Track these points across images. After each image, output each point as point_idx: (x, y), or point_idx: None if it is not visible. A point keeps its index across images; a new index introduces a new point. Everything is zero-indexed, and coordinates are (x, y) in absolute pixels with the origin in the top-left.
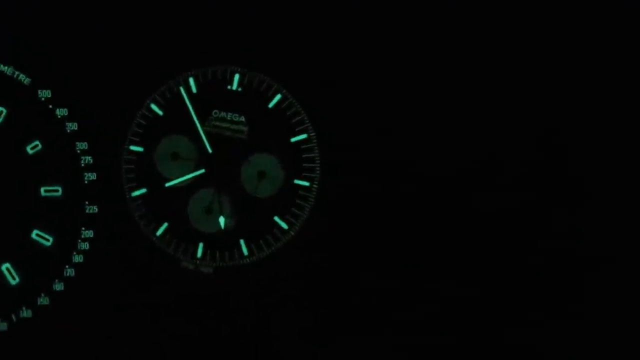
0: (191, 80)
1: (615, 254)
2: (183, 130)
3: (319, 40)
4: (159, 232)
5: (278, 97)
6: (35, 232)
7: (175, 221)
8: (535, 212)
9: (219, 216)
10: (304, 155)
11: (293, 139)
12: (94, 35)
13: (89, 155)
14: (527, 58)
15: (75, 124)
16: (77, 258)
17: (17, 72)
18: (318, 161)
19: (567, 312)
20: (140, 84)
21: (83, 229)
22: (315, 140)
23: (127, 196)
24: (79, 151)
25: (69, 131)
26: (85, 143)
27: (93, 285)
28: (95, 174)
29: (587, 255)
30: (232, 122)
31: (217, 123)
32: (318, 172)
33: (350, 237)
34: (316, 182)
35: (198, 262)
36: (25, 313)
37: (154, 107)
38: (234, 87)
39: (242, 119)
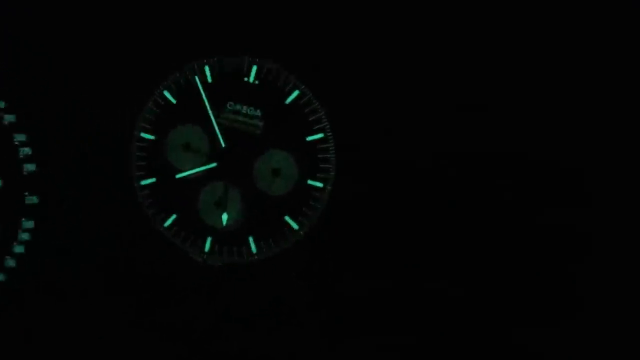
0: (207, 70)
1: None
2: (196, 120)
3: (342, 39)
4: (167, 223)
5: (296, 92)
6: None
7: (184, 213)
8: (548, 214)
9: (225, 211)
10: (319, 155)
11: (309, 138)
12: (110, 20)
13: (27, 147)
14: (545, 57)
15: (13, 115)
16: (18, 249)
17: None
18: (333, 162)
19: (565, 314)
20: (155, 70)
21: (23, 219)
22: (331, 140)
23: (136, 184)
24: (17, 143)
25: (6, 123)
26: (24, 135)
27: (34, 276)
28: (34, 164)
29: (587, 258)
30: (247, 115)
31: (232, 116)
32: (333, 173)
33: (362, 242)
34: (330, 184)
35: (205, 256)
36: None
37: (167, 94)
38: (251, 79)
39: (258, 113)
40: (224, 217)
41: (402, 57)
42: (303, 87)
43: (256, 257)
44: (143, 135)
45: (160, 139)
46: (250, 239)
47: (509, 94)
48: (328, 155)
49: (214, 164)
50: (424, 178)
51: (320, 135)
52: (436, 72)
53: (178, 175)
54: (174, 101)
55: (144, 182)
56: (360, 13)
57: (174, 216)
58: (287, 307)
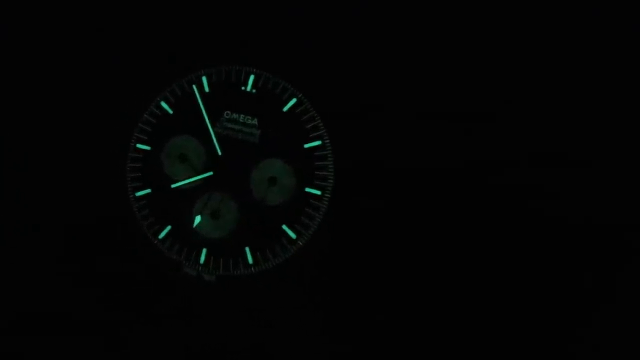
0: (204, 79)
1: None
2: (193, 130)
3: (338, 46)
4: (162, 235)
5: (293, 101)
6: None
7: (179, 224)
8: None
9: (199, 214)
10: (317, 163)
11: (306, 145)
12: (107, 29)
13: None
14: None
15: None
16: None
17: None
18: (331, 169)
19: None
20: (151, 81)
21: None
22: (329, 148)
23: (131, 196)
24: None
25: None
26: None
27: None
28: None
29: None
30: (244, 124)
31: (229, 125)
32: (331, 180)
33: (362, 251)
34: (328, 191)
35: (201, 268)
36: None
37: (164, 105)
38: (248, 88)
39: (255, 121)
40: (197, 219)
41: (399, 65)
42: (300, 95)
43: (253, 268)
44: (139, 146)
45: (156, 149)
46: (247, 250)
47: (510, 102)
48: (326, 163)
49: (210, 173)
50: (423, 185)
51: (317, 143)
52: (434, 80)
53: (173, 185)
54: (170, 112)
55: (138, 193)
56: (358, 22)
57: (168, 227)
58: (286, 320)
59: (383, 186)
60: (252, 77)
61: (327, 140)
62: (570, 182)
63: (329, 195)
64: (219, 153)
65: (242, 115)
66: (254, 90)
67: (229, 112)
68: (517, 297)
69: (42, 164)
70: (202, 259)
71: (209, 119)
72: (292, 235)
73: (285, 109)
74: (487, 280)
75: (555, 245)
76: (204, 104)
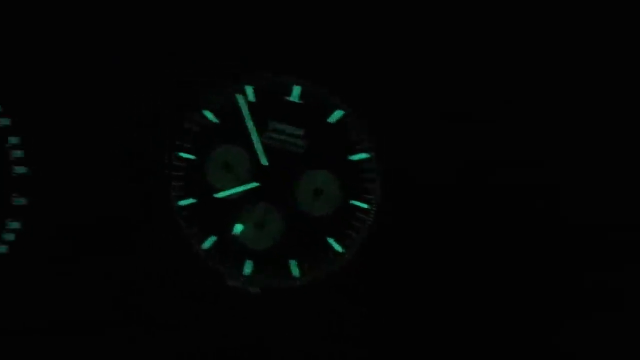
0: (249, 89)
1: None
2: (238, 140)
3: (385, 58)
4: (206, 245)
5: (339, 112)
6: None
7: (224, 235)
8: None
9: (240, 222)
10: (363, 175)
11: (353, 157)
12: (153, 37)
13: (19, 150)
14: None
15: (8, 119)
16: (2, 249)
17: None
18: (379, 182)
19: None
20: (196, 90)
21: (9, 220)
22: (376, 160)
23: (174, 205)
24: (9, 145)
25: (1, 126)
26: (17, 138)
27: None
28: (25, 167)
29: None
30: (289, 134)
31: (274, 135)
32: (377, 194)
33: (409, 264)
34: (375, 205)
35: (245, 280)
36: None
37: (208, 114)
38: (294, 98)
39: (300, 132)
40: (238, 227)
41: (448, 79)
42: (346, 106)
43: (298, 281)
44: (182, 155)
45: (201, 159)
46: (292, 262)
47: (510, 102)
48: (373, 175)
49: (255, 184)
50: (471, 197)
51: (364, 155)
52: (484, 95)
53: (217, 195)
54: (215, 121)
55: (182, 203)
56: (409, 34)
57: (212, 238)
58: (332, 335)
59: (431, 199)
60: (298, 88)
61: (374, 153)
62: (571, 182)
63: (375, 209)
64: (264, 163)
65: (287, 126)
66: (300, 101)
67: (274, 122)
68: (518, 297)
69: (87, 172)
70: (247, 270)
71: (254, 128)
72: (338, 248)
73: (331, 120)
74: (486, 280)
75: (555, 245)
76: (249, 113)
